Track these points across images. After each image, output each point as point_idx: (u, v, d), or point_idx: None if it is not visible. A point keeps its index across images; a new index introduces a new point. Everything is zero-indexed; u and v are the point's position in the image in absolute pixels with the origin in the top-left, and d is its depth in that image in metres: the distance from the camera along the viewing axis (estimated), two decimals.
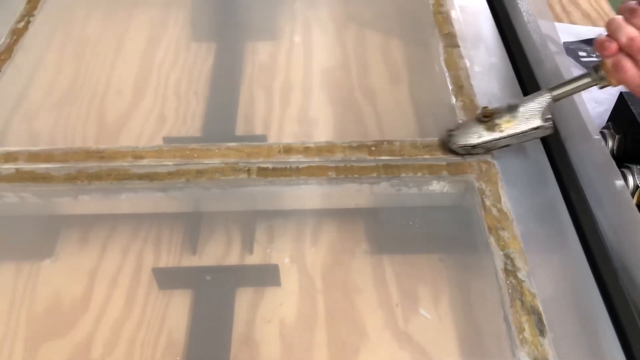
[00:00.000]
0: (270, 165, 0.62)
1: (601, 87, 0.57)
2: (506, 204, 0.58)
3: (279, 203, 0.64)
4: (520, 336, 0.48)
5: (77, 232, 0.64)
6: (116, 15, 0.92)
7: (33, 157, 0.62)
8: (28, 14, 0.81)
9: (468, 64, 0.71)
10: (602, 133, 0.75)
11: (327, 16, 0.92)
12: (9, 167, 0.61)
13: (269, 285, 0.60)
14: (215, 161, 0.62)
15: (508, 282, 0.52)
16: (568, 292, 0.53)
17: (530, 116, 0.59)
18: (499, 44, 0.76)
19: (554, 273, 0.54)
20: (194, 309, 0.58)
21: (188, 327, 0.57)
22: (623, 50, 0.53)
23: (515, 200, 0.58)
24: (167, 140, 0.71)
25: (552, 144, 0.63)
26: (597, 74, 0.56)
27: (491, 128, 0.59)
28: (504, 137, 0.59)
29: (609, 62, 0.54)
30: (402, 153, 0.62)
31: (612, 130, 0.75)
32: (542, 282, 0.53)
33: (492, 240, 0.55)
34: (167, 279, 0.60)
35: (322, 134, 0.74)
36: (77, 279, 0.60)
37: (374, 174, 0.60)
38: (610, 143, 0.74)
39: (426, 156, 0.61)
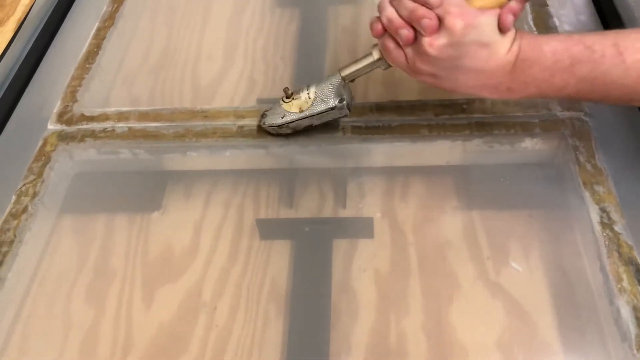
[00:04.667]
0: (363, 124, 0.64)
1: (385, 68, 0.56)
2: (600, 160, 0.58)
3: (371, 160, 0.67)
4: (619, 285, 0.50)
5: (182, 186, 0.69)
6: None
7: (142, 116, 0.67)
8: None
9: (557, 23, 0.71)
10: None
11: None
12: (122, 125, 0.66)
13: (363, 238, 0.63)
14: None
15: (604, 234, 0.53)
16: None
17: (324, 97, 0.60)
18: (587, 2, 0.75)
19: None
20: (294, 257, 0.61)
21: (290, 274, 0.61)
22: (387, 31, 0.52)
23: (609, 157, 0.59)
24: (260, 101, 0.75)
25: None
26: (379, 54, 0.55)
27: (293, 108, 0.61)
28: (304, 118, 0.61)
29: (379, 42, 0.54)
30: (493, 111, 0.63)
31: None
32: (639, 236, 0.54)
33: (587, 194, 0.56)
34: (268, 229, 0.64)
35: (408, 94, 0.76)
36: (184, 230, 0.65)
37: (467, 132, 0.62)
38: None
39: (518, 113, 0.62)
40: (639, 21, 0.69)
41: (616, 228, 0.53)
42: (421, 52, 0.51)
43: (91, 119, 0.70)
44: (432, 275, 0.60)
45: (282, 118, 0.62)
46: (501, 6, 0.50)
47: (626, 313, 0.49)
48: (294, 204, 0.66)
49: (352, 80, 0.60)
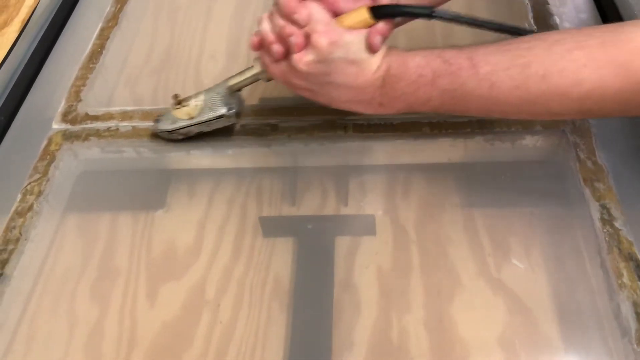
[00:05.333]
0: (364, 122, 0.65)
1: (267, 80, 0.57)
2: (601, 157, 0.59)
3: (372, 158, 0.67)
4: (619, 281, 0.50)
5: (185, 185, 0.69)
6: None
7: (146, 115, 0.68)
8: None
9: (558, 21, 0.72)
10: None
11: None
12: (126, 124, 0.67)
13: (365, 235, 0.64)
14: (314, 118, 0.65)
15: (605, 230, 0.54)
16: None
17: (213, 105, 0.61)
18: (588, 0, 0.76)
19: None
20: (297, 255, 0.62)
21: (292, 271, 0.61)
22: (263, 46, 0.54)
23: (610, 154, 0.59)
24: (263, 100, 0.75)
25: None
26: (260, 67, 0.56)
27: (182, 115, 0.62)
28: (194, 124, 0.62)
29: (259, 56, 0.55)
30: None
31: None
32: (639, 232, 0.54)
33: (587, 191, 0.56)
34: (271, 227, 0.64)
35: None
36: (187, 228, 0.65)
37: (468, 129, 0.62)
38: None
39: None
40: (638, 17, 0.69)
41: (616, 224, 0.54)
42: (293, 68, 0.53)
43: (95, 118, 0.70)
44: (433, 272, 0.60)
45: (171, 124, 0.63)
46: (369, 26, 0.51)
47: (626, 308, 0.49)
48: (296, 201, 0.67)
49: (238, 90, 0.61)
